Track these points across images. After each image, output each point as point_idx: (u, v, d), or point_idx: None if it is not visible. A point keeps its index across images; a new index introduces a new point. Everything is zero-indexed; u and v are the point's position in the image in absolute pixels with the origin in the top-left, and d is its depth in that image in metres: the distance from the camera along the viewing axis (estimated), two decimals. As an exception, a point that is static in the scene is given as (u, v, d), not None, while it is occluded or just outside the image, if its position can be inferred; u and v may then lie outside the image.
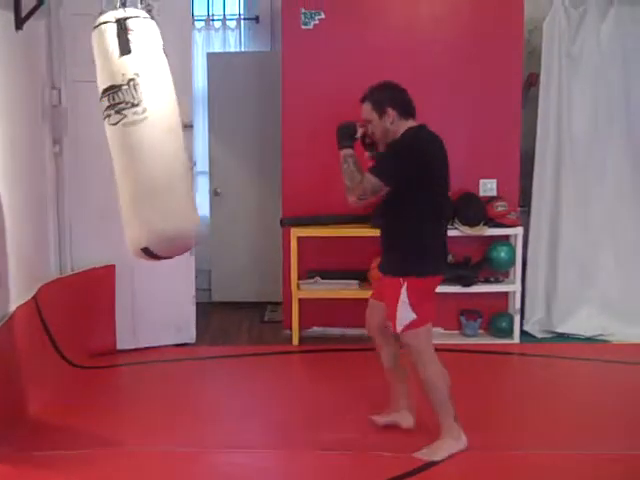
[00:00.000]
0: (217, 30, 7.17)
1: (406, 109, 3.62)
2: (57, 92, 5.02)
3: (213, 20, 7.13)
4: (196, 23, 6.94)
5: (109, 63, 3.12)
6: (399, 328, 3.52)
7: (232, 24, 7.15)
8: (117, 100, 3.10)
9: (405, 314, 3.48)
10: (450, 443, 3.57)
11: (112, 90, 3.10)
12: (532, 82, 5.87)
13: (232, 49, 7.15)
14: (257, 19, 7.02)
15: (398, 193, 3.50)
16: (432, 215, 3.56)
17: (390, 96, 3.61)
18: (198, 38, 7.06)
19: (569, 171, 5.67)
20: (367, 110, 3.61)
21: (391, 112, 3.56)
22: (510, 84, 5.64)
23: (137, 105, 3.08)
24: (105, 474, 3.46)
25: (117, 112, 3.10)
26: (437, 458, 3.53)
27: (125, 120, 3.09)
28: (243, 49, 7.17)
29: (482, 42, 5.61)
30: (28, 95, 4.61)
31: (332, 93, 5.58)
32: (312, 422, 4.05)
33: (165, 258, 3.27)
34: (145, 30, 3.21)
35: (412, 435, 3.82)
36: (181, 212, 3.22)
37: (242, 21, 7.14)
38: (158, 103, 3.16)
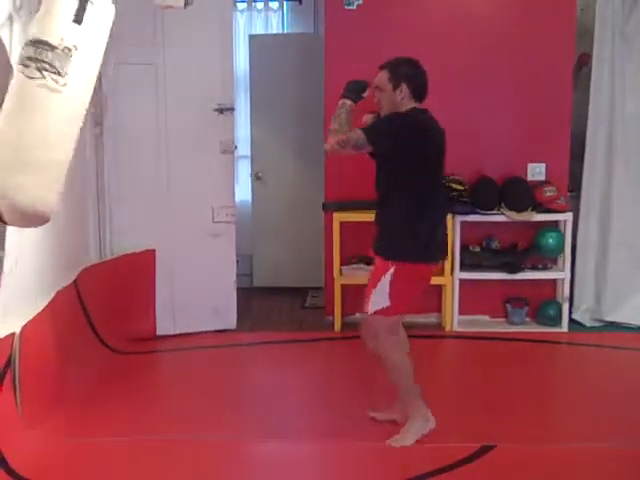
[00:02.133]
0: (259, 11, 7.10)
1: (420, 91, 3.60)
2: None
3: (255, 1, 7.06)
4: (238, 4, 6.88)
5: (55, 20, 2.95)
6: (371, 310, 3.53)
7: (274, 5, 7.08)
8: (44, 58, 2.92)
9: (380, 299, 3.49)
10: (418, 425, 3.58)
11: (44, 46, 2.92)
12: (584, 63, 5.68)
13: (274, 31, 7.07)
14: (300, 0, 6.92)
15: (392, 170, 3.51)
16: (426, 200, 3.50)
17: (411, 73, 3.59)
18: (240, 20, 7.00)
19: (621, 154, 5.49)
20: (383, 78, 3.58)
21: (405, 89, 3.54)
22: (561, 65, 5.48)
23: (60, 75, 2.93)
24: (143, 462, 3.44)
25: (38, 69, 2.91)
26: (408, 443, 3.53)
27: (41, 82, 2.91)
28: (286, 31, 7.08)
29: (533, 22, 5.46)
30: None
31: (375, 75, 5.46)
32: (353, 411, 3.97)
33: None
34: (103, 11, 3.08)
35: (461, 426, 3.73)
36: (39, 192, 3.01)
37: (285, 2, 7.05)
38: (78, 85, 3.01)
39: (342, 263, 5.51)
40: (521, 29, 5.47)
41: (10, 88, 3.02)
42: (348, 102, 3.60)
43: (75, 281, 4.46)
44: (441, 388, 4.27)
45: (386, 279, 3.46)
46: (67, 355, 4.09)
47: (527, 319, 5.60)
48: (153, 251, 5.15)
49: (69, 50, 2.96)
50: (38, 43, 2.94)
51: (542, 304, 5.56)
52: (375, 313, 3.53)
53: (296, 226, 6.69)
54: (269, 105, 6.61)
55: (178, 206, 5.19)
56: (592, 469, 3.36)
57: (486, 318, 5.66)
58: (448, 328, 5.48)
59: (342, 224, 5.43)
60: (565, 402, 4.21)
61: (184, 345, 5.13)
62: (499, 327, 5.52)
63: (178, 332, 5.27)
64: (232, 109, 5.28)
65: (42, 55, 2.93)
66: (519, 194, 5.41)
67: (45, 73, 2.93)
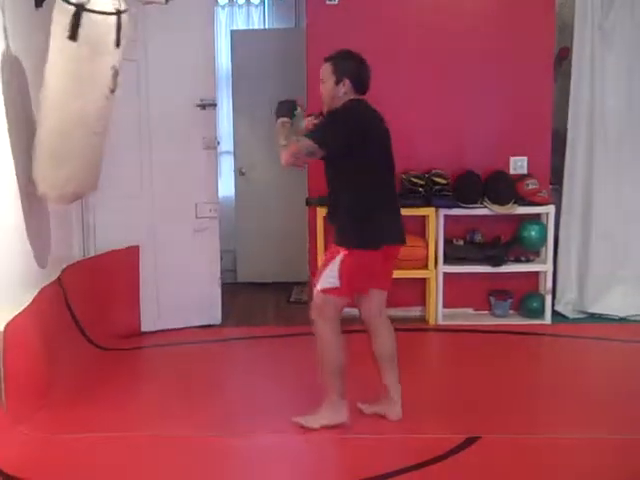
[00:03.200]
0: (241, 7, 7.09)
1: (362, 86, 3.64)
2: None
3: (237, -4, 7.05)
4: (219, 0, 6.85)
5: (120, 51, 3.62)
6: (319, 287, 3.58)
7: (256, 0, 7.05)
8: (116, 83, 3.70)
9: (330, 278, 3.54)
10: (328, 415, 3.61)
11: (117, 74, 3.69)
12: (563, 57, 5.72)
13: (256, 26, 7.07)
14: (281, -5, 6.92)
15: (338, 164, 3.54)
16: (373, 187, 3.56)
17: (354, 68, 3.63)
18: (221, 15, 6.98)
19: (602, 147, 5.53)
20: (327, 71, 3.63)
21: (348, 84, 3.58)
22: (541, 59, 5.51)
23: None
24: (128, 458, 3.43)
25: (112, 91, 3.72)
26: (311, 425, 3.59)
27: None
28: (267, 26, 7.07)
29: (513, 17, 5.49)
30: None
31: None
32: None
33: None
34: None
35: (446, 418, 3.75)
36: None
37: (266, -3, 7.04)
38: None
39: (326, 258, 5.51)
40: (502, 24, 5.50)
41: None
42: (284, 119, 3.66)
43: (59, 278, 4.45)
44: (426, 381, 4.28)
45: (337, 262, 3.52)
46: (52, 352, 4.08)
47: (511, 311, 5.63)
48: (137, 247, 5.14)
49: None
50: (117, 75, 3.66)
51: (525, 296, 5.59)
52: (323, 291, 3.57)
53: (280, 221, 6.69)
54: (251, 100, 6.59)
55: (161, 202, 5.18)
56: (576, 459, 3.38)
57: (470, 311, 5.69)
58: (432, 321, 5.50)
59: (325, 218, 5.42)
60: (549, 393, 4.23)
61: (169, 341, 5.12)
62: (483, 320, 5.55)
63: (163, 328, 5.26)
64: (214, 105, 5.28)
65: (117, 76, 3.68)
66: (501, 188, 5.43)
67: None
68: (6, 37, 3.73)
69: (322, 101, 3.70)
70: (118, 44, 3.57)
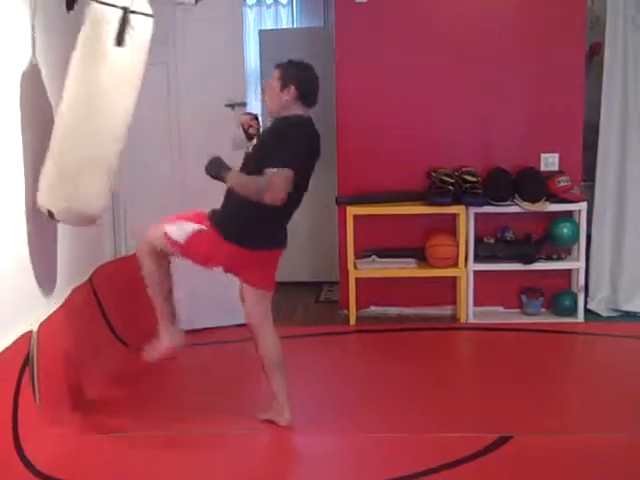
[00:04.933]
0: (269, 6, 7.10)
1: (307, 97, 3.59)
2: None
3: (265, -4, 7.07)
4: (247, 0, 6.87)
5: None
6: (166, 229, 3.58)
7: (284, 0, 7.06)
8: None
9: (180, 232, 3.55)
10: (163, 340, 3.74)
11: None
12: (596, 52, 5.66)
13: (284, 26, 7.07)
14: (310, -6, 6.92)
15: (261, 168, 3.42)
16: (271, 207, 3.44)
17: (302, 78, 3.58)
18: (250, 15, 7.00)
19: (635, 142, 5.46)
20: (274, 76, 3.60)
21: (293, 91, 3.54)
22: (573, 54, 5.45)
23: None
24: (162, 457, 3.46)
25: None
26: (149, 356, 3.73)
27: None
28: (295, 25, 7.08)
29: (544, 12, 5.43)
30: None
31: (387, 70, 5.49)
32: (369, 403, 3.98)
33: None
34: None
35: (478, 417, 3.73)
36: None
37: (294, -4, 7.05)
38: None
39: (356, 257, 5.51)
40: (532, 19, 5.44)
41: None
42: (234, 173, 3.56)
43: (90, 278, 4.49)
44: (457, 380, 4.27)
45: (194, 227, 3.54)
46: (84, 352, 4.12)
47: (542, 310, 5.58)
48: (167, 248, 5.16)
49: None
50: None
51: (557, 294, 5.54)
52: (166, 235, 3.56)
53: (310, 220, 6.67)
54: (280, 100, 6.59)
55: (192, 203, 5.14)
56: (609, 459, 3.34)
57: (501, 309, 5.65)
58: (463, 320, 5.46)
59: (355, 218, 5.43)
60: (582, 393, 4.20)
61: (199, 340, 5.12)
62: (514, 318, 5.50)
63: (193, 327, 5.27)
64: (244, 104, 5.29)
65: None
66: (533, 185, 5.39)
67: None
68: (33, 41, 3.75)
69: (267, 104, 3.69)
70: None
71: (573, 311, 5.45)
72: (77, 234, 4.27)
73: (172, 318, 3.70)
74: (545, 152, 5.54)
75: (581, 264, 5.44)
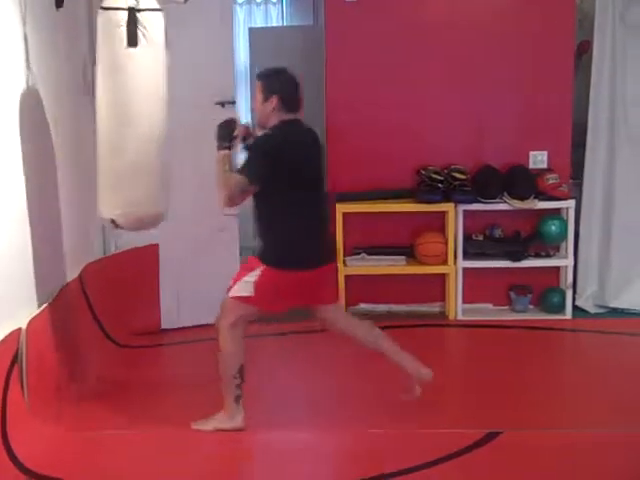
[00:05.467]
0: (259, 4, 7.10)
1: (289, 103, 3.63)
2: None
3: (255, -6, 7.07)
4: (237, -2, 6.88)
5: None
6: (232, 294, 3.63)
7: (274, -2, 7.08)
8: None
9: (244, 288, 3.59)
10: (222, 419, 3.66)
11: None
12: (584, 50, 5.68)
13: (274, 24, 7.08)
14: (300, -8, 6.93)
15: (261, 190, 3.56)
16: (290, 211, 3.58)
17: (278, 86, 3.63)
18: (240, 13, 7.00)
19: (623, 141, 5.48)
20: (258, 89, 3.67)
21: (275, 100, 3.59)
22: (561, 52, 5.46)
23: None
24: (149, 454, 3.46)
25: None
26: (206, 428, 3.65)
27: None
28: (285, 23, 7.08)
29: (533, 10, 5.45)
30: (69, 72, 4.58)
31: (377, 68, 5.49)
32: (359, 400, 3.99)
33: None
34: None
35: (467, 413, 3.75)
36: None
37: (284, -6, 7.06)
38: None
39: (346, 254, 5.52)
40: (521, 17, 5.45)
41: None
42: (227, 153, 3.64)
43: (80, 276, 4.48)
44: (446, 376, 4.27)
45: (252, 277, 3.57)
46: (73, 349, 4.11)
47: (531, 307, 5.60)
48: (156, 245, 5.16)
49: None
50: None
51: (546, 291, 5.56)
52: (234, 297, 3.62)
53: (299, 218, 6.69)
54: (270, 98, 6.60)
55: (181, 200, 5.18)
56: (598, 454, 3.36)
57: (490, 306, 5.67)
58: (452, 317, 5.48)
59: (345, 215, 5.43)
60: (570, 389, 4.22)
61: (189, 338, 5.14)
62: (503, 315, 5.52)
63: (182, 325, 5.28)
64: (233, 102, 5.29)
65: None
66: (521, 182, 5.40)
67: None
68: (25, 39, 3.75)
69: (257, 119, 3.75)
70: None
71: (561, 308, 5.48)
72: (66, 232, 4.27)
73: (239, 398, 3.67)
74: (534, 150, 5.55)
75: (569, 261, 5.46)
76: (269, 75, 3.68)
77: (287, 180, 3.52)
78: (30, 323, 3.57)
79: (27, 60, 3.76)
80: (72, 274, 4.38)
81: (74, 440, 3.56)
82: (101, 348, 4.60)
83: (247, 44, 6.74)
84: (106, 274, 4.83)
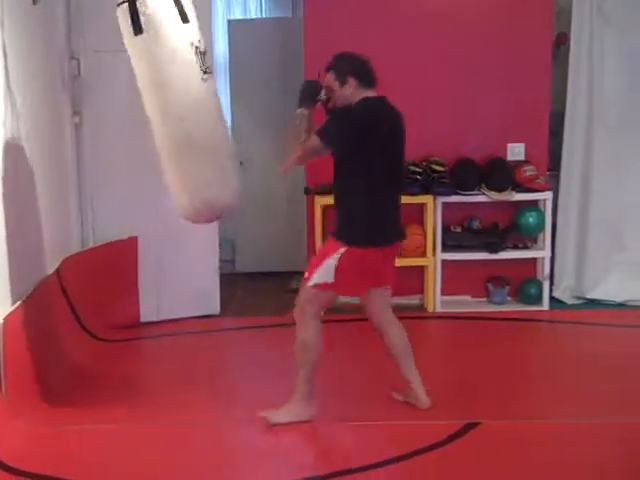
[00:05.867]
0: (238, -4, 7.07)
1: (366, 79, 3.63)
2: (76, 62, 4.97)
3: (233, -14, 7.04)
4: (216, -11, 6.84)
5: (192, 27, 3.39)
6: (311, 282, 3.55)
7: (252, -10, 7.04)
8: (207, 63, 3.45)
9: (325, 274, 3.51)
10: (296, 411, 3.60)
11: (203, 53, 3.43)
12: (562, 42, 5.71)
13: (253, 15, 7.05)
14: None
15: (343, 159, 3.55)
16: (374, 186, 3.54)
17: (352, 66, 3.62)
18: (219, 5, 6.96)
19: (601, 132, 5.53)
20: (330, 79, 3.63)
21: (352, 81, 3.58)
22: (539, 44, 5.51)
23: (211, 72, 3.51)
24: (129, 449, 3.45)
25: (206, 72, 3.42)
26: (278, 420, 3.57)
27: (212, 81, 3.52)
28: (264, 15, 7.06)
29: (510, 2, 5.50)
30: (47, 66, 4.57)
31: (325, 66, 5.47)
32: (338, 392, 4.00)
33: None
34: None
35: (446, 405, 3.78)
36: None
37: (263, -14, 7.04)
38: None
39: (325, 247, 5.52)
40: (500, 10, 5.50)
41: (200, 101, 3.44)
42: (305, 112, 3.61)
43: (58, 270, 4.46)
44: (424, 368, 4.29)
45: (335, 258, 3.50)
46: (51, 344, 4.10)
47: (509, 298, 5.65)
48: (135, 238, 5.15)
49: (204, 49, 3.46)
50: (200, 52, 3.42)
51: (523, 283, 5.61)
52: (313, 287, 3.56)
53: (279, 211, 6.70)
54: (249, 90, 6.60)
55: (160, 193, 5.15)
56: (575, 443, 3.40)
57: (468, 298, 5.70)
58: (431, 309, 5.51)
59: (324, 208, 5.43)
60: (548, 379, 4.25)
61: (168, 331, 5.13)
62: (481, 307, 5.57)
63: (162, 318, 5.28)
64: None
65: (205, 61, 3.45)
66: (499, 174, 5.44)
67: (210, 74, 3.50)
68: (2, 29, 3.72)
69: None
70: (185, 19, 3.38)
71: (539, 299, 5.52)
72: (44, 225, 4.24)
73: (311, 391, 3.62)
74: (512, 142, 5.59)
75: (547, 253, 5.50)
76: (337, 61, 3.64)
77: (375, 154, 3.49)
78: (7, 317, 3.55)
79: (4, 55, 3.73)
80: (50, 268, 4.36)
81: (51, 434, 3.54)
82: (79, 342, 4.59)
83: (226, 36, 6.71)
84: (85, 268, 4.81)
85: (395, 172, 3.68)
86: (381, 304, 3.79)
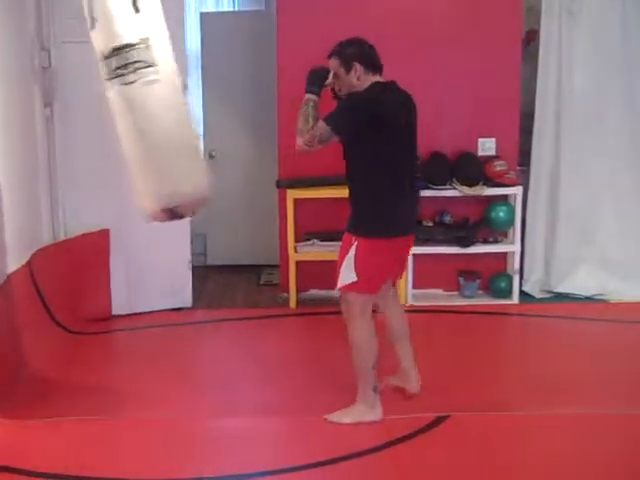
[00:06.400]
0: (210, -12, 7.05)
1: (373, 64, 3.58)
2: (46, 53, 4.92)
3: (205, -22, 7.01)
4: (188, -19, 6.81)
5: (119, 23, 3.00)
6: (339, 285, 3.53)
7: (225, -18, 7.02)
8: (133, 59, 2.99)
9: (347, 273, 3.48)
10: (362, 410, 3.57)
11: (125, 49, 2.99)
12: (531, 39, 5.77)
13: (225, 8, 7.03)
14: (250, -23, 6.89)
15: (354, 148, 3.49)
16: (388, 175, 3.48)
17: (358, 51, 3.58)
18: (191, -3, 6.94)
19: (569, 129, 5.59)
20: (335, 66, 3.57)
21: (358, 67, 3.53)
22: (509, 41, 5.55)
23: (153, 66, 3.01)
24: (100, 441, 3.44)
25: (133, 71, 3.00)
26: (344, 421, 3.54)
27: (142, 80, 2.99)
28: (237, 8, 7.04)
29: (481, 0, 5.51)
30: (17, 57, 4.51)
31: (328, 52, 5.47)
32: (308, 386, 4.02)
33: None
34: None
35: (415, 398, 3.82)
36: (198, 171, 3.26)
37: (235, -21, 7.02)
38: (167, 68, 3.09)
39: (297, 240, 5.54)
40: (469, 7, 5.52)
41: (113, 108, 3.10)
42: (313, 97, 3.55)
43: (29, 262, 4.43)
44: (394, 362, 4.34)
45: (352, 252, 3.46)
46: (22, 337, 4.07)
47: (479, 292, 5.70)
48: (107, 231, 5.13)
49: (147, 40, 3.00)
50: (118, 50, 2.99)
51: (493, 277, 5.66)
52: (344, 289, 3.52)
53: (250, 204, 6.70)
54: (221, 83, 6.58)
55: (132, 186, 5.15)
56: (544, 435, 3.44)
57: (440, 292, 5.75)
58: (402, 302, 5.53)
59: (296, 201, 5.45)
60: (516, 372, 4.30)
61: (140, 324, 5.12)
62: (452, 300, 5.62)
63: (134, 311, 5.27)
64: (185, 88, 5.24)
65: (129, 57, 2.98)
66: (470, 169, 5.49)
67: (141, 71, 2.99)
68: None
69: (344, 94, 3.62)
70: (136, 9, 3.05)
71: (508, 293, 5.59)
72: (14, 217, 4.21)
73: (377, 389, 3.58)
74: (482, 137, 5.64)
75: (516, 247, 5.56)
76: (342, 47, 3.59)
77: (386, 141, 3.43)
78: (-22, 311, 3.53)
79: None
80: (21, 261, 4.33)
81: (24, 428, 3.52)
82: (51, 335, 4.57)
83: (198, 29, 6.68)
84: (56, 260, 4.79)
85: (408, 160, 3.63)
86: (396, 293, 3.95)
